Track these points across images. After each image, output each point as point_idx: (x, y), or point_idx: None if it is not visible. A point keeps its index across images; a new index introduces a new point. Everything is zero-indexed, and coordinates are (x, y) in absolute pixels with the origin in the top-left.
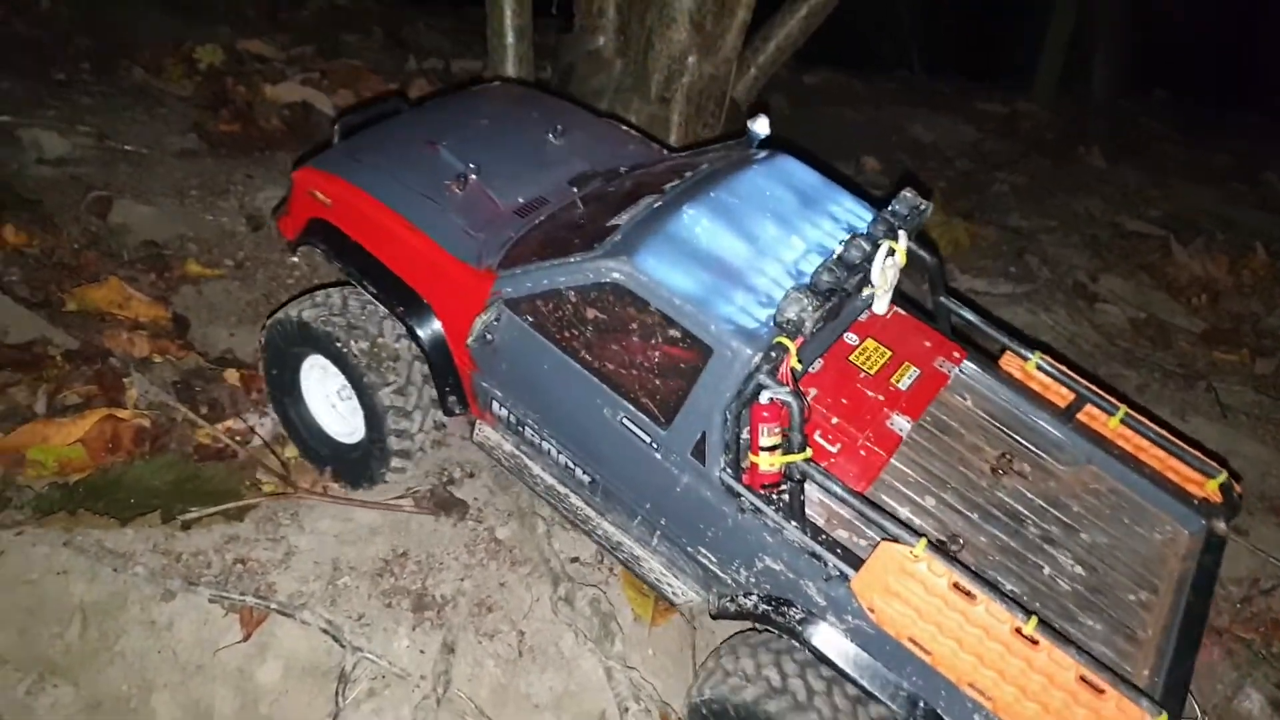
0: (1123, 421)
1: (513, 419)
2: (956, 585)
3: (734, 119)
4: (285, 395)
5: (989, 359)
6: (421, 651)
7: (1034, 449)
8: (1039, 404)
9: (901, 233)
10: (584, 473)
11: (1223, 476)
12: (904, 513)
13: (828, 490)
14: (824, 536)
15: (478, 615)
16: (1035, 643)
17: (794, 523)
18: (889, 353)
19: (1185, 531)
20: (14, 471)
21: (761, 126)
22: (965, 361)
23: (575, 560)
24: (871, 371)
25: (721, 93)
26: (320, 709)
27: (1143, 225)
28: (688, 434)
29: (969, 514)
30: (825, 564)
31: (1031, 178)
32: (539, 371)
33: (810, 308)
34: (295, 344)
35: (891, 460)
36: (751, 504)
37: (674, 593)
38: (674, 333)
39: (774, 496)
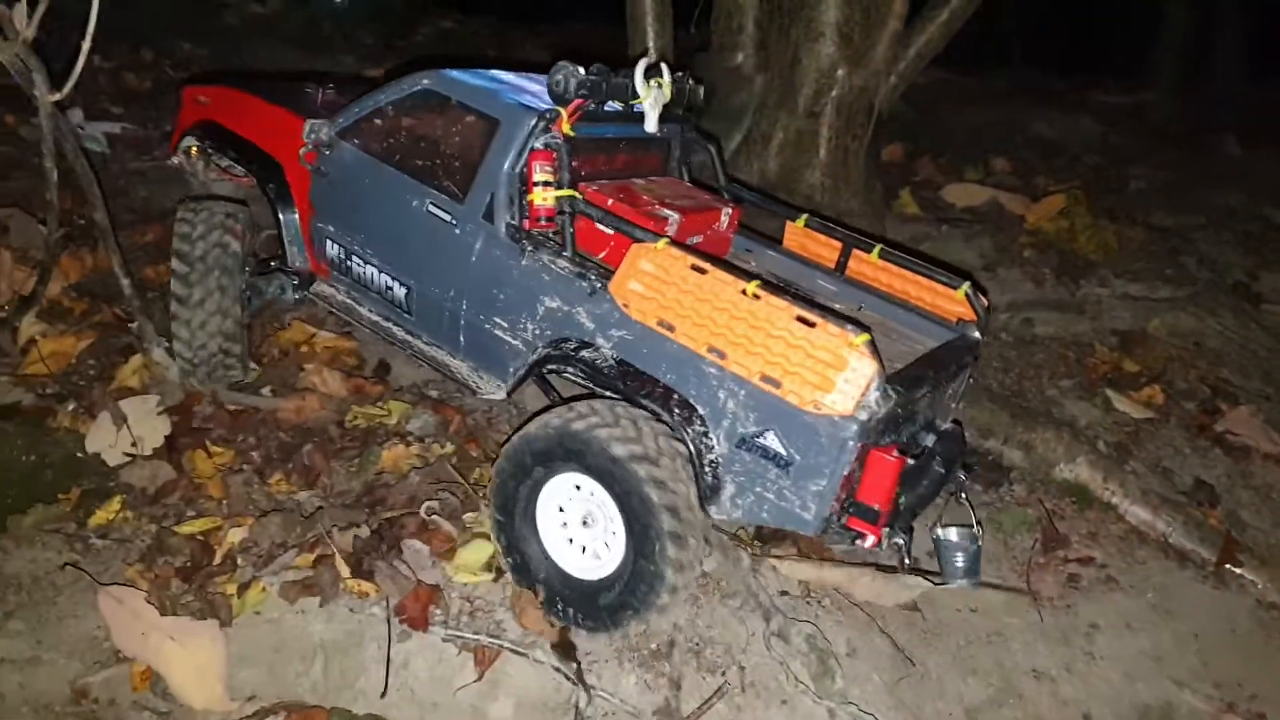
0: (881, 256)
1: (342, 253)
2: (693, 265)
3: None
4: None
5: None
6: (649, 688)
7: (811, 293)
8: (815, 265)
9: (665, 70)
10: (400, 285)
11: (965, 285)
12: None
13: (590, 215)
14: (590, 261)
15: (698, 650)
16: (758, 297)
17: (565, 251)
18: (665, 191)
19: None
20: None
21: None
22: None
23: (784, 594)
24: (648, 195)
25: (870, 103)
26: None
27: None
28: (479, 200)
29: None
30: (589, 280)
31: (1167, 171)
32: (361, 187)
33: (574, 77)
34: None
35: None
36: (530, 243)
37: (481, 389)
38: (470, 118)
39: (550, 234)
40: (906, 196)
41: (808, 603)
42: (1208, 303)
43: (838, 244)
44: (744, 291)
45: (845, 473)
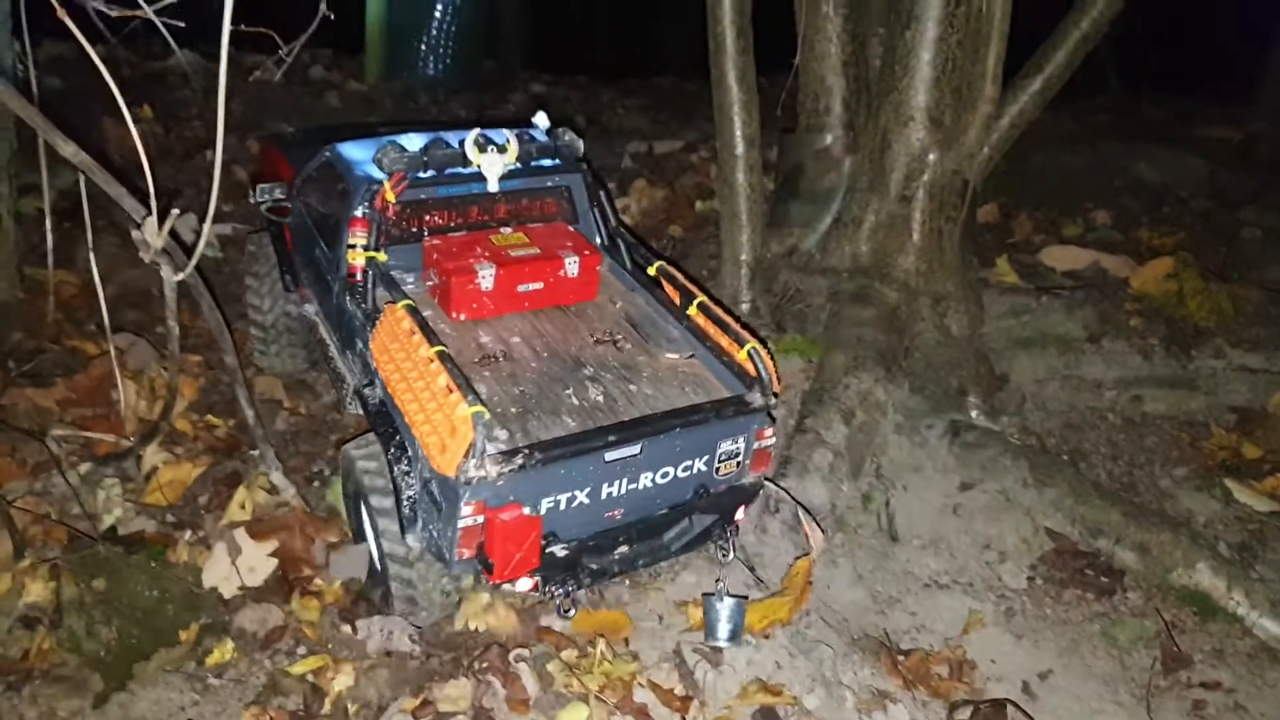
0: (699, 309)
1: (305, 280)
2: (407, 328)
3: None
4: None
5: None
6: None
7: (648, 337)
8: (669, 306)
9: (513, 141)
10: (325, 311)
11: (751, 344)
12: (484, 339)
13: (388, 281)
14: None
15: None
16: (431, 362)
17: (365, 304)
18: (527, 239)
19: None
20: None
21: (541, 120)
22: (620, 271)
23: None
24: (498, 244)
25: (964, 183)
26: None
27: None
28: (341, 251)
29: (540, 352)
30: (367, 330)
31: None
32: (300, 232)
33: (389, 155)
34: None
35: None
36: (352, 294)
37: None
38: (341, 185)
39: (358, 287)
40: (1004, 264)
41: None
42: None
43: (677, 292)
44: (427, 358)
45: (464, 526)
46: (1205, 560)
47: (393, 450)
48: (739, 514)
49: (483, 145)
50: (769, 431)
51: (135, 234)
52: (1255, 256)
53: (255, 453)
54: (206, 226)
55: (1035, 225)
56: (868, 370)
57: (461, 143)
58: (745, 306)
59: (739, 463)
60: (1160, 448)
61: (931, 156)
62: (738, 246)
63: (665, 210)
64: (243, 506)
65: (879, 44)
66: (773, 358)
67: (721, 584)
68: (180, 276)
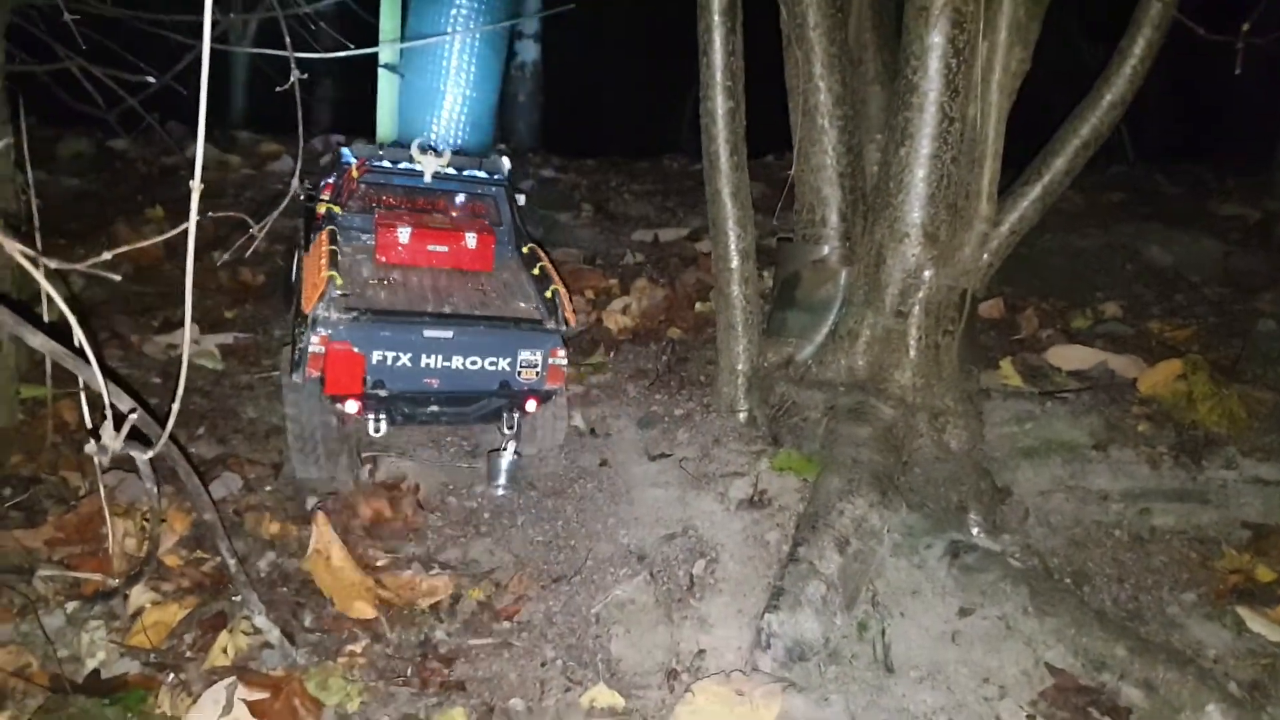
0: (539, 269)
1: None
2: (324, 239)
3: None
4: None
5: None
6: None
7: (512, 294)
8: (541, 281)
9: (448, 151)
10: None
11: (553, 287)
12: (394, 275)
13: (337, 224)
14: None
15: None
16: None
17: (313, 233)
18: (448, 221)
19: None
20: None
21: (505, 162)
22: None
23: None
24: (424, 220)
25: (962, 294)
26: None
27: None
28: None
29: (424, 285)
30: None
31: None
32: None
33: (361, 147)
34: None
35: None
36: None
37: None
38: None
39: (316, 223)
40: (1007, 366)
41: None
42: None
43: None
44: (324, 252)
45: (313, 350)
46: (1215, 701)
47: (293, 313)
48: (530, 405)
49: (423, 149)
50: (561, 352)
51: (88, 448)
52: (1271, 352)
53: (238, 598)
54: (184, 361)
55: (1042, 319)
56: (863, 495)
57: (411, 144)
58: (742, 416)
59: (537, 372)
60: (1169, 568)
61: (927, 273)
62: (734, 356)
63: (665, 310)
64: (225, 650)
65: (876, 151)
66: (563, 304)
67: (505, 447)
68: (150, 454)
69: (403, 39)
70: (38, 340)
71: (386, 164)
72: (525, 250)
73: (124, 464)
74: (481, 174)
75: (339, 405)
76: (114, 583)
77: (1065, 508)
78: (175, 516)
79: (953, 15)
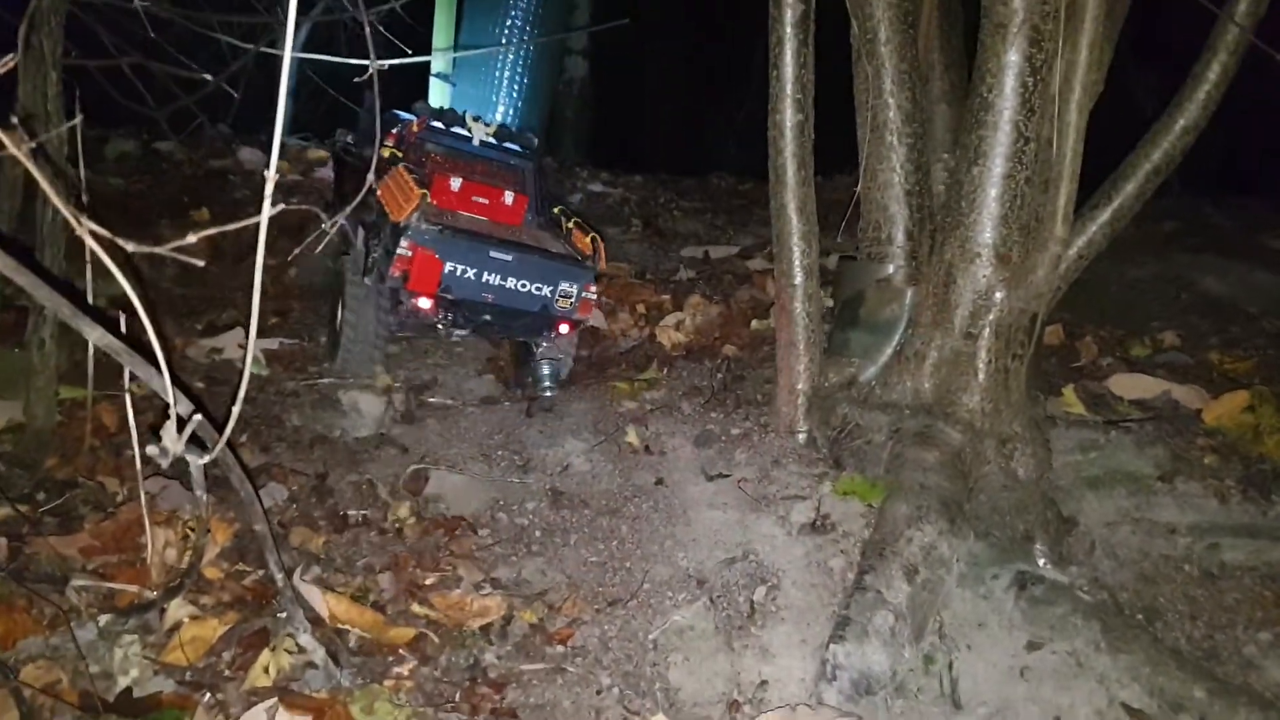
0: (574, 223)
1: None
2: (411, 177)
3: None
4: None
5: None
6: None
7: (541, 241)
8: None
9: (482, 119)
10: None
11: (592, 234)
12: (447, 216)
13: (398, 164)
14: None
15: None
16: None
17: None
18: (488, 180)
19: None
20: None
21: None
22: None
23: None
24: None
25: (1032, 319)
26: None
27: None
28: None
29: (474, 226)
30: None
31: None
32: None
33: (421, 106)
34: None
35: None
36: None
37: None
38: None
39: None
40: (1070, 395)
41: None
42: None
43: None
44: (408, 180)
45: (400, 254)
46: None
47: (372, 236)
48: (563, 329)
49: (475, 119)
50: (593, 288)
51: (149, 449)
52: None
53: (284, 615)
54: (247, 364)
55: (1101, 347)
56: (931, 522)
57: (464, 113)
58: (801, 437)
59: (571, 302)
60: (1242, 606)
61: (998, 295)
62: (794, 375)
63: (720, 327)
64: (266, 670)
65: (943, 170)
66: (600, 250)
67: (541, 360)
68: (208, 459)
69: (455, 49)
70: (95, 334)
71: (441, 126)
72: (556, 211)
73: (165, 470)
74: (516, 147)
75: (414, 301)
76: (151, 595)
77: (1132, 540)
78: (218, 527)
79: (1031, 34)
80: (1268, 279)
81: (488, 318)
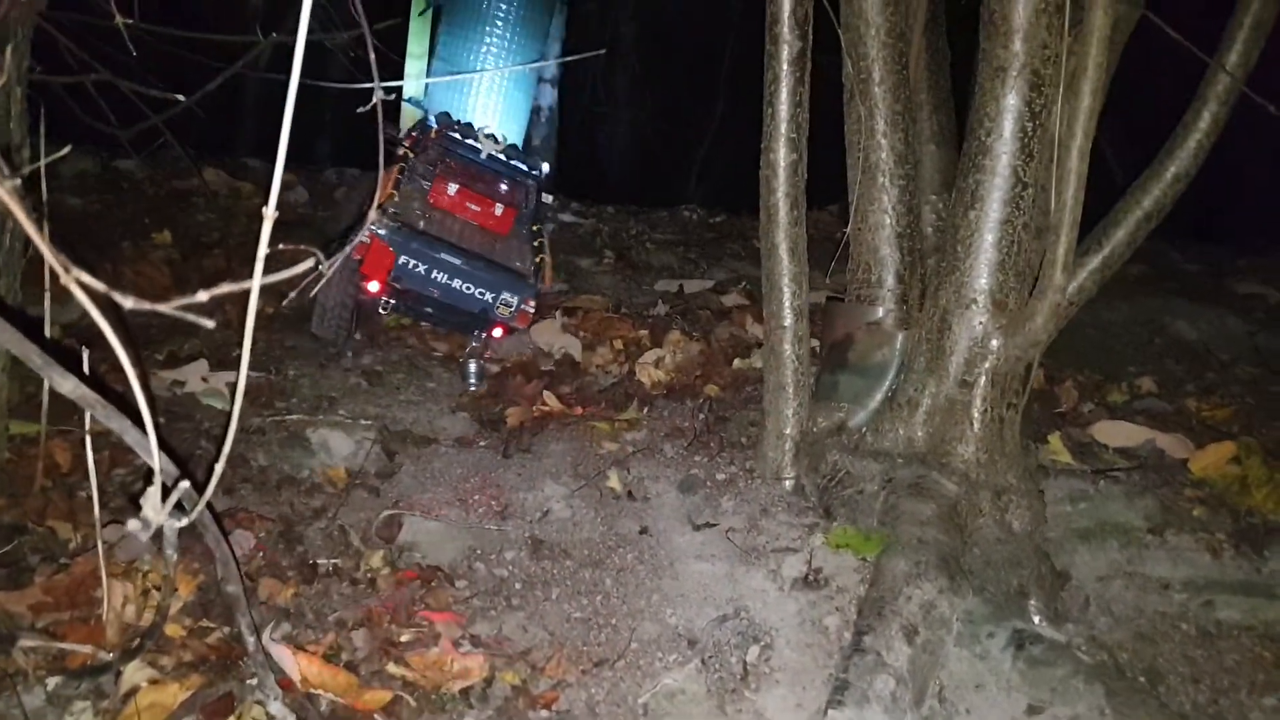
0: (537, 244)
1: None
2: (392, 170)
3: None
4: None
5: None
6: None
7: (513, 254)
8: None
9: (495, 137)
10: None
11: (540, 257)
12: (437, 216)
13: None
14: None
15: None
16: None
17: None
18: (485, 191)
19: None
20: None
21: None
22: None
23: None
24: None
25: (1028, 367)
26: None
27: None
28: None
29: (457, 230)
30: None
31: None
32: None
33: (441, 115)
34: None
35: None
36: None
37: None
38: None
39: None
40: (1056, 442)
41: None
42: None
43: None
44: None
45: (360, 241)
46: None
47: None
48: (497, 333)
49: (488, 136)
50: (532, 303)
51: (130, 523)
52: None
53: (254, 680)
54: (240, 392)
55: (1081, 392)
56: (931, 579)
57: (481, 129)
58: (788, 483)
59: (510, 311)
60: (1243, 668)
61: (994, 342)
62: (782, 420)
63: (701, 366)
64: None
65: (931, 213)
66: (546, 270)
67: (472, 356)
68: (185, 522)
69: (429, 73)
70: (68, 386)
71: (457, 136)
72: (534, 228)
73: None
74: (523, 168)
75: (365, 284)
76: (106, 656)
77: (1126, 596)
78: (181, 580)
79: (1030, 78)
80: (1236, 324)
81: (430, 310)
